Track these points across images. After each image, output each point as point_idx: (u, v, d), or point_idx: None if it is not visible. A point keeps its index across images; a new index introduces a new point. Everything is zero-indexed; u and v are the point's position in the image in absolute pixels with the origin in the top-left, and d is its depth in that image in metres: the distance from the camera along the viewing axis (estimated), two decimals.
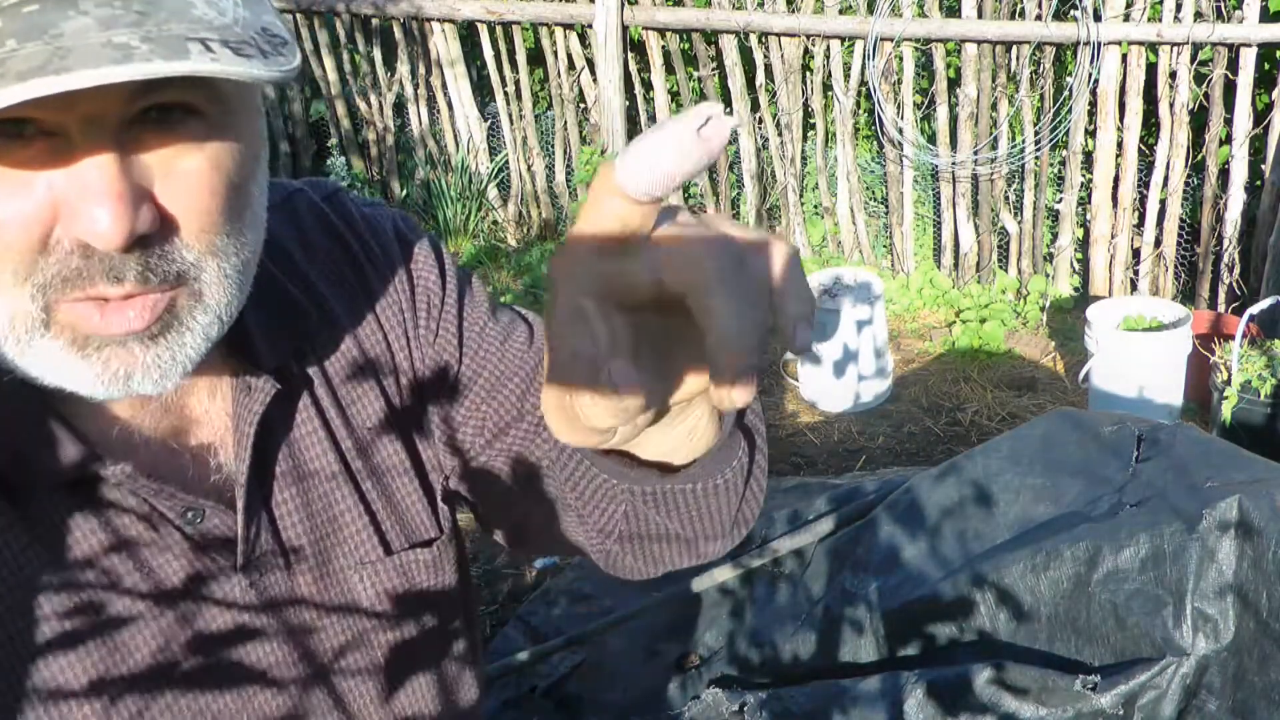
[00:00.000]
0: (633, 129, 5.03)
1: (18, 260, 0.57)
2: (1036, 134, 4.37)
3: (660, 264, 0.46)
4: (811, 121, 4.90)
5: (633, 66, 4.91)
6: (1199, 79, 4.16)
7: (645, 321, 0.48)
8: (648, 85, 5.04)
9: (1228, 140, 4.17)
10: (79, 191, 0.56)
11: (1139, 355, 3.59)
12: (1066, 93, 4.27)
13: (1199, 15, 4.02)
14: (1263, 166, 4.18)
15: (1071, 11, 4.18)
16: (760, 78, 4.75)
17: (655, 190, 0.44)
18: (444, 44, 5.15)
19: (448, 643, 0.87)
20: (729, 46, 4.71)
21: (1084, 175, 4.45)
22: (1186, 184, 4.32)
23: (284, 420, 0.76)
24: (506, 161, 5.34)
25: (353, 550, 0.79)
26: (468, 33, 5.24)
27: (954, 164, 4.52)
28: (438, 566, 0.84)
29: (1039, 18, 4.21)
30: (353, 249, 0.82)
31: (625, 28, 4.78)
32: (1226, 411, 3.29)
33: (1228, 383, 3.30)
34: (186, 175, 0.60)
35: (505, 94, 5.19)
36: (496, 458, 0.84)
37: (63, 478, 0.66)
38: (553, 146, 5.24)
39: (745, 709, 2.08)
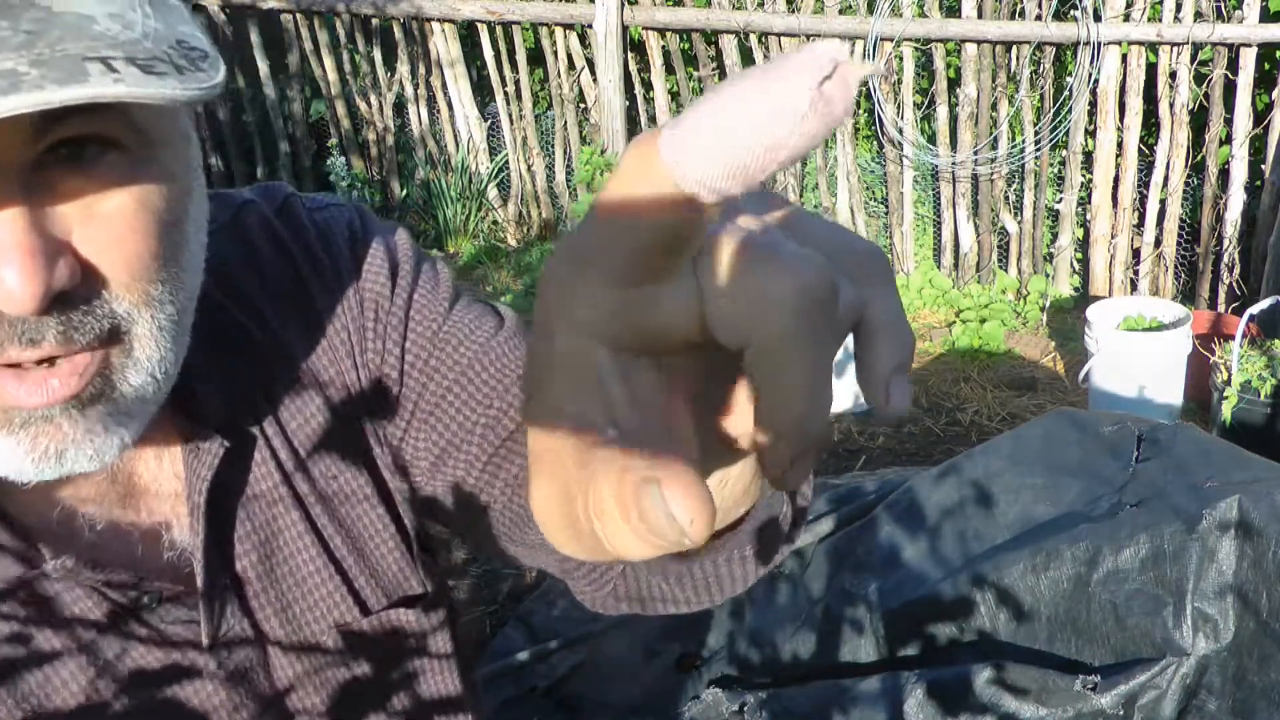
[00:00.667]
0: (633, 129, 5.04)
1: None
2: (1036, 134, 4.37)
3: (712, 300, 0.31)
4: None
5: (633, 66, 4.91)
6: (1199, 79, 4.16)
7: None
8: (648, 85, 5.04)
9: (1228, 140, 4.17)
10: None
11: (1139, 355, 3.59)
12: (1066, 93, 4.27)
13: (1199, 15, 4.02)
14: (1263, 166, 4.18)
15: (1071, 11, 4.18)
16: None
17: (726, 182, 0.28)
18: (444, 44, 5.15)
19: (444, 703, 0.80)
20: (729, 46, 4.71)
21: (1084, 175, 4.45)
22: (1186, 184, 4.32)
23: (239, 479, 0.68)
24: (506, 161, 5.34)
25: (325, 614, 0.71)
26: (468, 33, 5.24)
27: (954, 164, 4.52)
28: (424, 622, 0.77)
29: (1039, 18, 4.21)
30: (299, 264, 0.73)
31: (625, 28, 4.78)
32: (1226, 411, 3.29)
33: (1228, 383, 3.30)
34: (109, 219, 0.52)
35: (505, 94, 5.19)
36: (444, 481, 0.74)
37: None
38: (553, 146, 5.24)
39: (745, 709, 2.08)
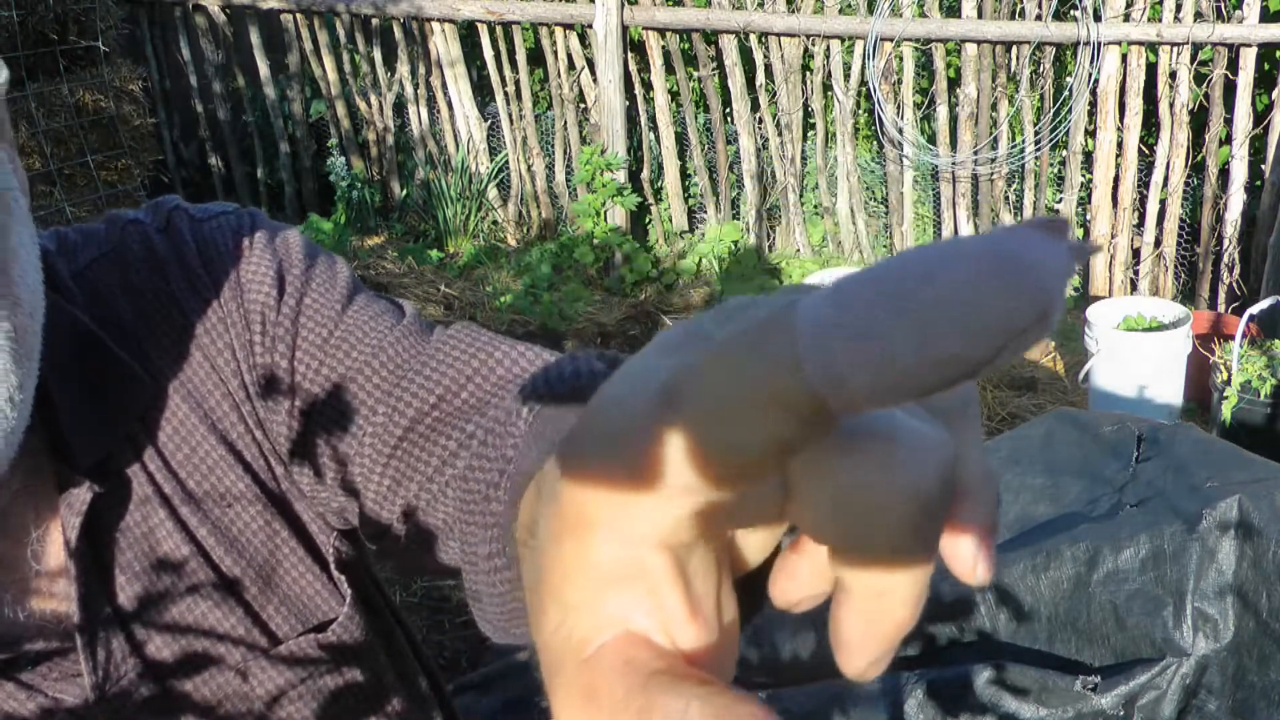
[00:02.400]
0: (633, 129, 5.04)
1: None
2: (1036, 134, 4.37)
3: (808, 500, 0.24)
4: (811, 121, 4.90)
5: (633, 66, 4.91)
6: (1199, 79, 4.16)
7: None
8: (648, 85, 5.04)
9: (1228, 140, 4.17)
10: None
11: (1139, 355, 3.59)
12: (1066, 93, 4.27)
13: (1199, 15, 4.02)
14: (1263, 166, 4.18)
15: (1071, 11, 4.18)
16: (760, 78, 4.75)
17: (888, 396, 0.21)
18: (444, 44, 5.15)
19: (384, 703, 0.76)
20: (729, 46, 4.71)
21: (1084, 175, 4.45)
22: (1186, 184, 4.32)
23: (118, 521, 0.64)
24: (506, 161, 5.34)
25: (231, 648, 0.67)
26: (468, 33, 5.24)
27: (954, 164, 4.52)
28: (345, 637, 0.72)
29: (1039, 18, 4.21)
30: (174, 284, 0.68)
31: (625, 28, 4.78)
32: (1226, 411, 3.29)
33: (1228, 383, 3.30)
34: None
35: (505, 94, 5.19)
36: (347, 493, 0.69)
37: None
38: (553, 146, 5.23)
39: None
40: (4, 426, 0.52)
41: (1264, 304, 3.43)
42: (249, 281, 0.68)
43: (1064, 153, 4.44)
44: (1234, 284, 4.26)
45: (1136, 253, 4.46)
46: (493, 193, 5.40)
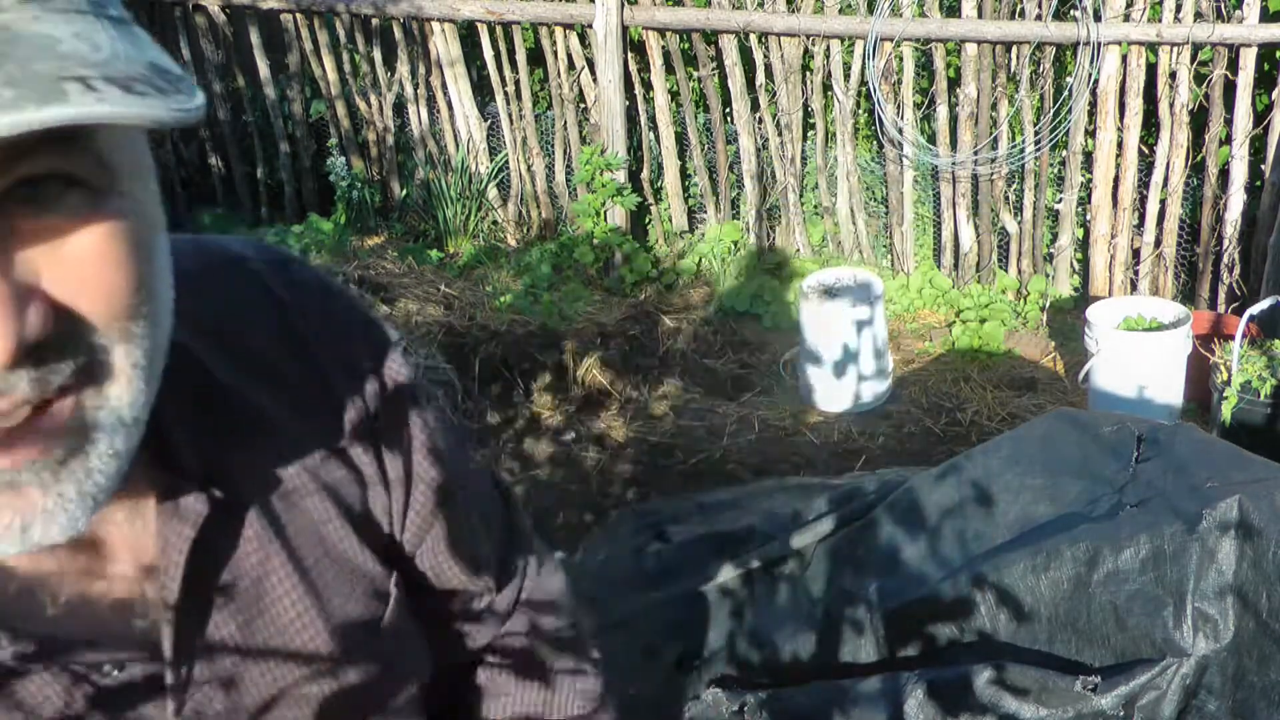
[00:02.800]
0: (633, 129, 5.04)
1: None
2: (1036, 134, 4.37)
3: None
4: (811, 121, 4.90)
5: (633, 66, 4.91)
6: (1199, 79, 4.16)
7: None
8: (648, 85, 5.04)
9: (1228, 140, 4.17)
10: None
11: (1139, 355, 3.59)
12: (1066, 93, 4.27)
13: (1199, 15, 4.02)
14: (1263, 166, 4.18)
15: (1071, 11, 4.18)
16: (760, 78, 4.75)
17: None
18: (444, 44, 5.15)
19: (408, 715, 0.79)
20: (729, 46, 4.71)
21: (1084, 175, 4.45)
22: (1186, 184, 4.32)
23: (217, 538, 0.64)
24: (506, 161, 5.34)
25: (301, 665, 0.69)
26: (468, 33, 5.24)
27: (954, 164, 4.51)
28: (389, 659, 0.75)
29: (1039, 18, 4.21)
30: (301, 332, 0.72)
31: (625, 28, 4.77)
32: (1226, 411, 3.29)
33: (1228, 383, 3.30)
34: (80, 260, 0.48)
35: (505, 94, 5.19)
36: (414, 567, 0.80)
37: None
38: (553, 146, 5.23)
39: (745, 709, 2.08)
40: (129, 450, 0.52)
41: (1264, 304, 3.43)
42: (389, 376, 0.75)
43: (1064, 153, 4.44)
44: (1234, 284, 4.26)
45: (1136, 253, 4.46)
46: (493, 193, 5.40)
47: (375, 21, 5.21)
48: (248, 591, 0.65)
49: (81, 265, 0.48)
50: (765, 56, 4.72)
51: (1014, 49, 4.33)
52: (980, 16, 4.30)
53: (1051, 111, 4.30)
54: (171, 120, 0.44)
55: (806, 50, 4.69)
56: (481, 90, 5.40)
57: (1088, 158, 4.43)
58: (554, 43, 4.97)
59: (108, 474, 0.51)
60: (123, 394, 0.51)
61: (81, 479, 0.50)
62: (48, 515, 0.49)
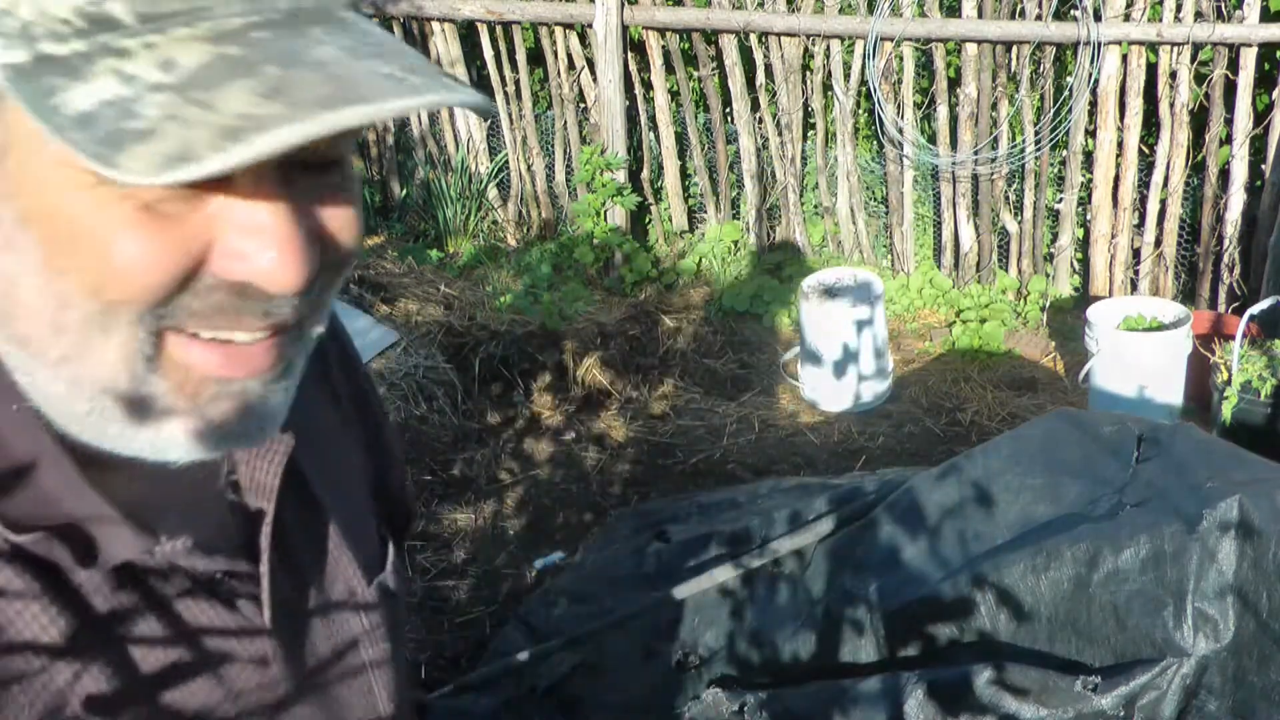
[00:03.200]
0: (633, 129, 5.04)
1: (148, 296, 0.52)
2: (1036, 134, 4.37)
3: None
4: (811, 121, 4.90)
5: (633, 66, 4.91)
6: (1199, 79, 4.16)
7: None
8: (648, 85, 5.04)
9: (1228, 140, 4.17)
10: (250, 232, 0.52)
11: (1139, 355, 3.59)
12: (1066, 93, 4.27)
13: (1199, 15, 4.02)
14: (1263, 166, 4.18)
15: (1072, 11, 4.18)
16: (760, 78, 4.75)
17: None
18: (444, 44, 5.15)
19: (402, 657, 0.86)
20: (729, 46, 4.71)
21: (1084, 175, 4.45)
22: (1186, 184, 4.32)
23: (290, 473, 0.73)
24: (506, 161, 5.34)
25: (345, 584, 0.76)
26: (468, 33, 5.24)
27: (954, 164, 4.51)
28: (398, 586, 0.84)
29: (1039, 18, 4.21)
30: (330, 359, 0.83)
31: (625, 27, 4.77)
32: (1226, 411, 3.29)
33: (1228, 383, 3.29)
34: (337, 222, 0.57)
35: (505, 94, 5.19)
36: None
37: (113, 558, 0.59)
38: (553, 146, 5.23)
39: (745, 709, 2.08)
40: (287, 401, 0.60)
41: (1264, 304, 3.43)
42: (367, 388, 0.87)
43: (1064, 153, 4.44)
44: (1234, 284, 4.26)
45: (1137, 253, 4.46)
46: (493, 193, 5.40)
47: (375, 21, 5.21)
48: (302, 516, 0.73)
49: (337, 227, 0.57)
50: (765, 56, 4.72)
51: (1014, 49, 4.33)
52: (980, 16, 4.30)
53: (1051, 111, 4.30)
54: (490, 109, 0.55)
55: (806, 50, 4.69)
56: (481, 90, 5.40)
57: (1088, 157, 4.43)
58: (554, 42, 4.97)
59: (292, 396, 0.60)
60: (314, 337, 0.60)
61: (283, 398, 0.59)
62: (258, 420, 0.58)
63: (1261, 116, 4.13)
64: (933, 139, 4.59)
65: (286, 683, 0.70)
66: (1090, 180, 4.43)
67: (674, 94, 4.98)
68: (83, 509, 0.58)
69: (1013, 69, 4.39)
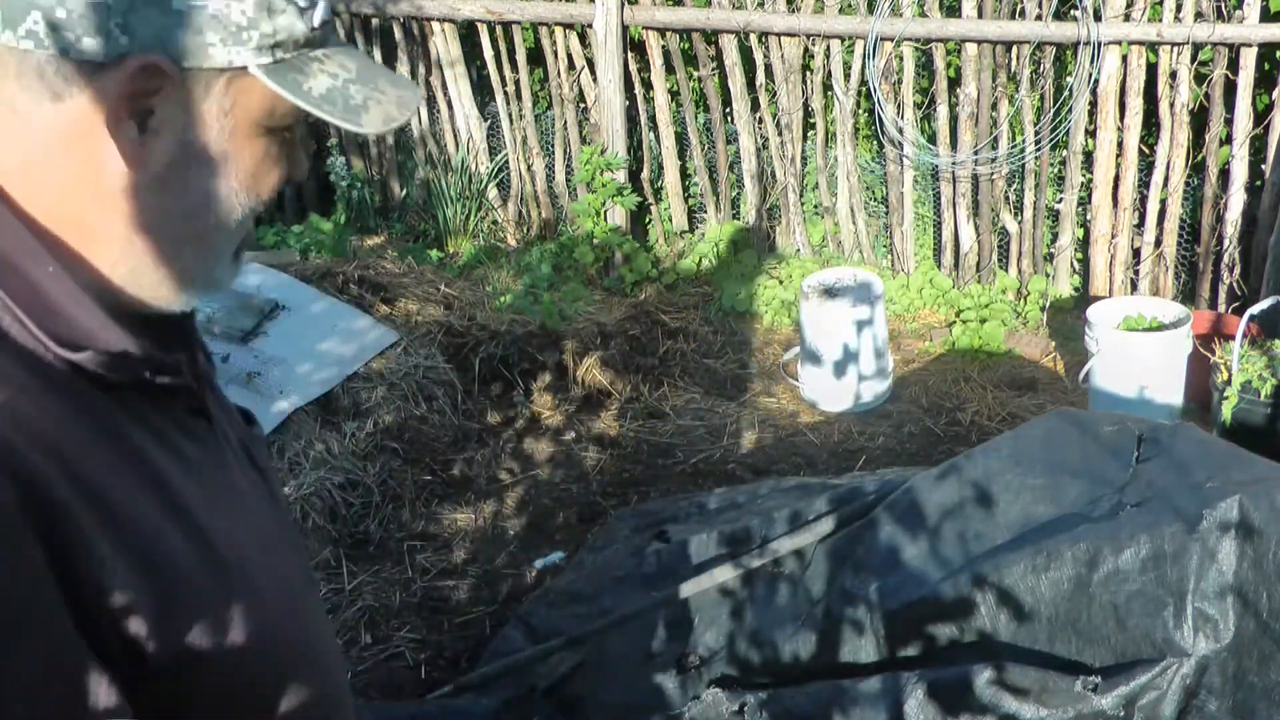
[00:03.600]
0: (633, 129, 5.04)
1: (259, 199, 0.80)
2: (1036, 134, 4.37)
3: None
4: (811, 121, 4.90)
5: (633, 66, 4.91)
6: (1199, 79, 4.16)
7: None
8: (648, 85, 5.04)
9: (1228, 140, 4.17)
10: (299, 161, 0.84)
11: (1139, 355, 3.59)
12: (1066, 93, 4.27)
13: (1199, 15, 4.02)
14: (1263, 166, 4.18)
15: (1072, 11, 4.18)
16: (760, 78, 4.75)
17: None
18: (444, 44, 5.15)
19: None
20: (729, 46, 4.71)
21: (1084, 175, 4.45)
22: (1186, 184, 4.32)
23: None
24: (506, 161, 5.34)
25: (236, 432, 0.94)
26: (468, 33, 5.24)
27: (954, 164, 4.51)
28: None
29: (1039, 18, 4.21)
30: None
31: (625, 27, 4.77)
32: (1226, 411, 3.29)
33: (1228, 383, 3.29)
34: (299, 151, 0.86)
35: (505, 94, 5.19)
36: None
37: (143, 372, 0.77)
38: (553, 146, 5.23)
39: (745, 709, 2.08)
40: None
41: (1264, 304, 3.43)
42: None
43: (1064, 153, 4.44)
44: (1234, 284, 4.26)
45: (1137, 253, 4.46)
46: (493, 192, 5.40)
47: (375, 21, 5.21)
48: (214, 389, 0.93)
49: (300, 154, 0.85)
50: (765, 56, 4.72)
51: (1014, 49, 4.33)
52: (980, 16, 4.30)
53: (1051, 111, 4.30)
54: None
55: (806, 50, 4.69)
56: (481, 90, 5.40)
57: (1088, 157, 4.43)
58: (554, 42, 4.97)
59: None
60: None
61: (238, 271, 0.84)
62: (226, 283, 0.83)
63: (1261, 116, 4.13)
64: (933, 139, 4.59)
65: (273, 511, 0.92)
66: (1090, 180, 4.43)
67: (674, 94, 4.98)
68: (116, 343, 0.75)
69: (1013, 69, 4.39)
